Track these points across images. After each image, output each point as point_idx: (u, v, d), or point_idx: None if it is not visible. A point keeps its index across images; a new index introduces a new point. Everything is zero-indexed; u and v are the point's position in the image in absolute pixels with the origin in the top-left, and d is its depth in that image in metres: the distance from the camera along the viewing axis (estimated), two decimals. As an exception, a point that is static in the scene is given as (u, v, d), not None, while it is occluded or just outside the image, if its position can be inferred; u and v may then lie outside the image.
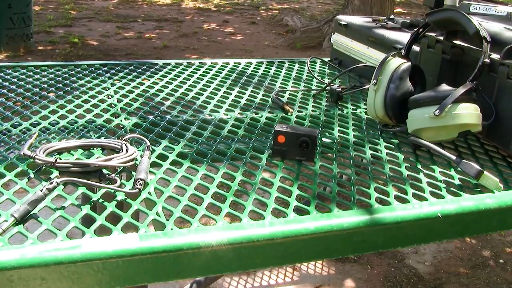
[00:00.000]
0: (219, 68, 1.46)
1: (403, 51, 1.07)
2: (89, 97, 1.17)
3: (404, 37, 1.27)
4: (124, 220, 0.68)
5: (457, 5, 1.20)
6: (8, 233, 0.64)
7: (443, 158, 0.91)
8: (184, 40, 5.56)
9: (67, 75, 1.31)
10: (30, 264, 0.58)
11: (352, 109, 1.19)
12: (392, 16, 1.50)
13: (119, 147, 0.87)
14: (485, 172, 0.83)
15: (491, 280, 2.02)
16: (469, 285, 1.98)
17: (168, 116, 1.08)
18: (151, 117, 1.07)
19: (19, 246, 0.60)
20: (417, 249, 2.17)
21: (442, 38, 1.08)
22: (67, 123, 1.02)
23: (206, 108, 1.15)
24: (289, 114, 1.13)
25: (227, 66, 1.48)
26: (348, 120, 1.12)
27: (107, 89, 1.23)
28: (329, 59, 1.59)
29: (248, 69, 1.46)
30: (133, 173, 0.79)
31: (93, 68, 1.38)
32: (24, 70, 1.34)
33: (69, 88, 1.21)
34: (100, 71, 1.37)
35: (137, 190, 0.74)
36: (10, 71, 1.32)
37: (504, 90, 0.93)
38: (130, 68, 1.41)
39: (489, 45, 0.93)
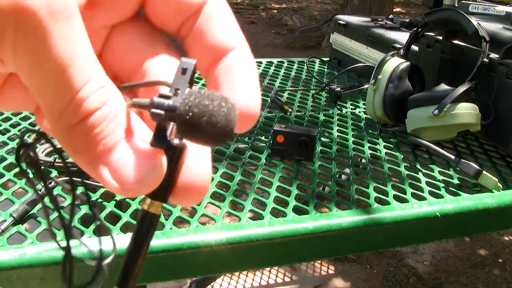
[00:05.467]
0: (218, 68, 1.45)
1: (402, 50, 1.07)
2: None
3: (403, 36, 1.27)
4: (123, 220, 0.68)
5: (456, 5, 1.21)
6: (7, 233, 0.64)
7: (442, 157, 0.91)
8: (183, 40, 5.55)
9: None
10: (29, 264, 0.58)
11: (351, 108, 1.19)
12: (391, 16, 1.50)
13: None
14: (484, 172, 0.83)
15: (490, 279, 2.02)
16: (468, 285, 1.98)
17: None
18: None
19: (18, 246, 0.60)
20: (416, 248, 2.17)
21: (441, 37, 1.08)
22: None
23: (205, 107, 1.14)
24: (288, 113, 1.13)
25: (226, 66, 1.48)
26: (347, 119, 1.12)
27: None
28: (328, 58, 1.59)
29: (247, 69, 1.46)
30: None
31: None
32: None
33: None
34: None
35: (136, 189, 0.74)
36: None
37: (503, 90, 0.93)
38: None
39: (488, 44, 0.93)
